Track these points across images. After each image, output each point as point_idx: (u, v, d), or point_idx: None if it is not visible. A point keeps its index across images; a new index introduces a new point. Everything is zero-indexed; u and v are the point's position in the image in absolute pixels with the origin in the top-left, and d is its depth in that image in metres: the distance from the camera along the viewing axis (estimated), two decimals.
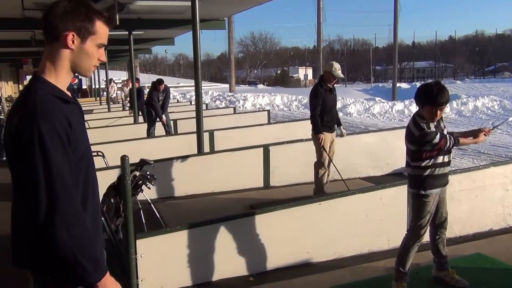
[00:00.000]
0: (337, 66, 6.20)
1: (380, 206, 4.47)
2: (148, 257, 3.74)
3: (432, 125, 3.38)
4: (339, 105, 23.34)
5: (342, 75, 6.26)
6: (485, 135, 3.51)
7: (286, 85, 56.46)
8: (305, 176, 6.78)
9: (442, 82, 3.53)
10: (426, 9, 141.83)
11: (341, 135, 6.79)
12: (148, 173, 4.58)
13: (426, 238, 3.88)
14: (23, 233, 1.67)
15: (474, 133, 3.56)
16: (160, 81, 11.00)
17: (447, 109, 20.11)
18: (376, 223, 4.45)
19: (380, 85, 42.39)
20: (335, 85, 6.41)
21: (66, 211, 1.59)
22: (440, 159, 3.39)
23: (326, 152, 6.18)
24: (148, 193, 5.09)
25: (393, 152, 7.29)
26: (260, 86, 53.33)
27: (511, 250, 4.39)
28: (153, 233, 3.88)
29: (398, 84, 30.67)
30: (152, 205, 4.77)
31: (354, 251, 4.43)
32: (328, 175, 6.37)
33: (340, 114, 22.60)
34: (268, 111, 13.92)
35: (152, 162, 4.77)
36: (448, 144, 3.36)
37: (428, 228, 3.53)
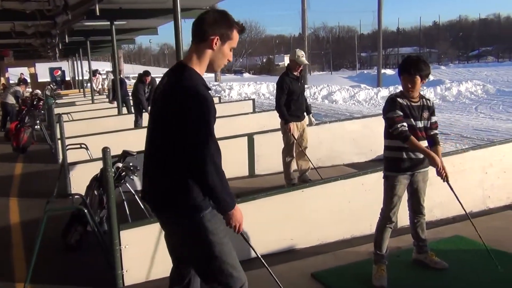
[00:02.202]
0: (300, 53, 6.15)
1: (362, 191, 4.54)
2: (133, 248, 3.77)
3: (403, 101, 3.44)
4: (324, 92, 23.47)
5: (306, 62, 6.17)
6: (438, 169, 3.46)
7: (272, 73, 56.35)
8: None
9: (423, 57, 3.60)
10: None
11: (310, 124, 6.66)
12: (131, 164, 4.58)
13: (406, 221, 3.98)
14: (173, 182, 2.28)
15: (433, 157, 3.44)
16: (146, 73, 10.94)
17: (431, 94, 20.38)
18: (358, 208, 4.52)
19: (365, 71, 42.60)
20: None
21: (215, 158, 2.23)
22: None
23: (294, 140, 6.18)
24: (133, 184, 5.10)
25: (376, 138, 7.26)
26: (246, 75, 53.23)
27: (488, 232, 4.47)
28: (137, 223, 3.90)
29: (383, 71, 30.85)
30: (136, 196, 4.78)
31: (337, 236, 4.50)
32: (306, 163, 6.41)
33: (326, 102, 22.72)
34: (253, 100, 13.93)
35: (135, 154, 4.77)
36: (398, 128, 3.36)
37: (397, 210, 3.58)
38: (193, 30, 2.34)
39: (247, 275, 2.49)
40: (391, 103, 3.47)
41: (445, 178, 3.52)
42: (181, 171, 2.26)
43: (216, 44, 2.30)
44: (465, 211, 3.67)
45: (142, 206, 4.56)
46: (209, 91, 2.31)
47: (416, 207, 3.67)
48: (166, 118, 2.26)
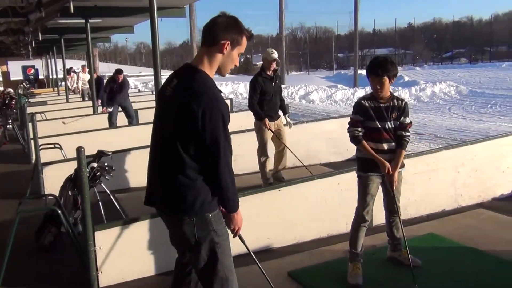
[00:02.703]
0: (271, 50, 6.20)
1: (338, 190, 4.59)
2: (108, 249, 3.72)
3: (371, 102, 3.50)
4: (302, 92, 23.59)
5: (276, 56, 6.13)
6: (388, 171, 3.51)
7: (250, 73, 56.33)
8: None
9: (390, 58, 3.67)
10: None
11: (287, 125, 6.57)
12: (106, 164, 4.53)
13: (381, 220, 4.04)
14: (180, 184, 2.35)
15: (382, 163, 3.50)
16: (118, 71, 10.89)
17: (406, 95, 20.70)
18: (334, 207, 4.57)
19: (342, 72, 42.96)
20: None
21: (229, 160, 2.33)
22: (372, 145, 3.53)
23: (271, 133, 6.18)
24: (108, 184, 5.04)
25: None
26: None
27: (461, 229, 4.61)
28: (112, 224, 3.86)
29: (359, 71, 31.13)
30: (111, 196, 4.73)
31: (314, 235, 4.54)
32: (282, 162, 6.44)
33: (303, 102, 22.81)
34: (231, 99, 13.91)
35: (110, 153, 4.72)
36: (353, 132, 3.53)
37: (371, 209, 3.65)
38: (204, 33, 2.40)
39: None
40: (356, 107, 3.59)
41: (390, 185, 3.57)
42: (191, 172, 2.32)
43: (226, 48, 2.36)
44: (400, 222, 3.72)
45: (118, 207, 4.51)
46: (221, 93, 2.38)
47: (391, 207, 3.73)
48: (179, 121, 2.29)
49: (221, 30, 2.35)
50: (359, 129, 3.51)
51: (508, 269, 3.76)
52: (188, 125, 2.26)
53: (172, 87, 2.42)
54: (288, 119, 6.62)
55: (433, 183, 5.05)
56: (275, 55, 6.16)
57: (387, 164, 3.48)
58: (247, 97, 6.45)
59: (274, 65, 6.16)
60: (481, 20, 76.31)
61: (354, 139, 3.55)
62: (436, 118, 14.91)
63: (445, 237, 4.36)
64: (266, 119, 6.10)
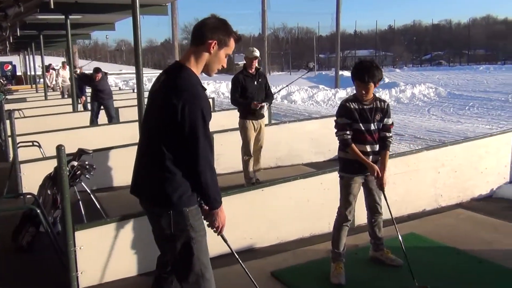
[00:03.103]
0: (252, 49, 6.22)
1: (321, 190, 4.61)
2: (88, 249, 3.66)
3: (355, 104, 3.51)
4: (283, 92, 23.63)
5: (257, 54, 6.11)
6: (375, 178, 3.56)
7: (232, 73, 56.23)
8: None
9: (375, 63, 3.67)
10: None
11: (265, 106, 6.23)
12: (87, 163, 4.45)
13: (363, 220, 4.07)
14: (163, 178, 2.37)
15: (371, 166, 3.53)
16: (96, 70, 10.83)
17: (386, 96, 20.94)
18: (317, 207, 4.58)
19: (323, 73, 43.17)
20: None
21: (210, 157, 2.36)
22: (355, 147, 3.54)
23: (249, 137, 6.17)
24: (89, 183, 4.97)
25: (335, 138, 7.41)
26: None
27: (441, 229, 4.67)
28: (93, 224, 3.80)
29: (340, 72, 31.37)
30: (92, 195, 4.65)
31: (296, 235, 4.55)
32: (258, 163, 6.44)
33: (285, 102, 22.83)
34: (213, 98, 13.86)
35: (91, 152, 4.64)
36: (342, 135, 3.51)
37: (353, 209, 3.68)
38: (193, 33, 2.48)
39: (214, 273, 2.53)
40: (341, 109, 3.58)
41: (380, 187, 3.60)
42: (171, 165, 2.36)
43: (213, 48, 2.42)
44: (393, 219, 3.73)
45: (98, 206, 4.44)
46: (205, 91, 2.42)
47: (372, 206, 3.76)
48: (162, 116, 2.35)
49: (209, 31, 2.42)
50: (348, 132, 3.51)
51: (486, 269, 3.83)
52: (168, 118, 2.31)
53: (160, 82, 2.49)
54: (265, 105, 6.26)
55: (414, 184, 5.11)
56: (256, 53, 6.16)
57: (376, 168, 3.51)
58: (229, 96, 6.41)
59: (255, 63, 6.15)
60: (459, 23, 77.72)
61: (343, 142, 3.53)
62: (416, 119, 15.11)
63: (425, 236, 4.42)
64: (254, 103, 6.06)
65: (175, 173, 2.37)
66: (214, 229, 2.55)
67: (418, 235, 4.44)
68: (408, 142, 10.66)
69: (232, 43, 2.49)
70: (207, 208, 2.50)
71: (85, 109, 13.25)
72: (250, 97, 6.09)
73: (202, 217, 2.52)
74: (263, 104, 6.12)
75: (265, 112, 6.51)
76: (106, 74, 11.16)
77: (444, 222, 4.87)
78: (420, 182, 5.17)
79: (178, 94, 2.31)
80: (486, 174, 5.65)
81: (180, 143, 2.33)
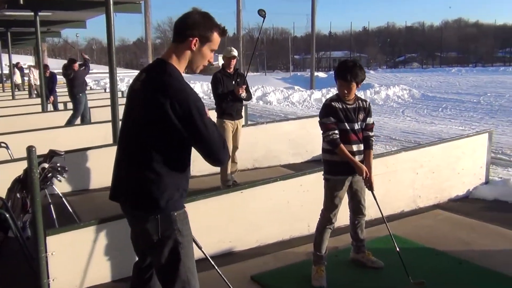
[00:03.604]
0: (229, 48, 6.21)
1: (300, 192, 4.59)
2: (60, 255, 3.54)
3: (339, 104, 3.50)
4: (259, 93, 23.64)
5: (235, 53, 6.11)
6: (366, 176, 3.54)
7: (206, 73, 56.00)
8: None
9: (359, 63, 3.68)
10: (342, 0, 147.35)
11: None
12: (58, 165, 4.32)
13: (343, 222, 4.06)
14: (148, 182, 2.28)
15: (359, 167, 3.52)
16: (73, 60, 10.63)
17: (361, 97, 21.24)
18: (296, 209, 4.56)
19: (298, 74, 43.42)
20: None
21: (220, 147, 2.31)
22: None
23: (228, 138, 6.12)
24: (60, 186, 4.83)
25: (312, 139, 7.48)
26: None
27: (419, 230, 4.72)
28: (65, 228, 3.67)
29: (316, 73, 31.60)
30: (64, 198, 4.52)
31: (276, 237, 4.52)
32: (234, 165, 6.40)
33: (260, 103, 22.82)
34: None
35: (62, 153, 4.50)
36: (330, 135, 3.46)
37: (338, 212, 3.66)
38: (174, 29, 2.39)
39: None
40: (326, 109, 3.54)
41: (370, 187, 3.60)
42: (159, 167, 2.27)
43: (195, 45, 2.33)
44: (384, 218, 3.78)
45: (71, 210, 4.31)
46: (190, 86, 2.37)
47: (356, 208, 3.75)
48: (147, 114, 2.26)
49: (189, 27, 2.32)
50: (336, 131, 3.48)
51: (465, 269, 3.88)
52: (156, 118, 2.22)
53: (141, 80, 2.38)
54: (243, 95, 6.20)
55: (393, 185, 5.15)
56: (234, 52, 6.13)
57: (364, 168, 3.50)
58: (209, 97, 6.33)
59: (233, 63, 6.11)
60: (432, 26, 79.41)
61: (332, 143, 3.48)
62: (391, 121, 15.31)
63: (405, 238, 4.45)
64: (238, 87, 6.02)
65: (162, 175, 2.28)
66: None
67: (398, 236, 4.44)
68: (384, 143, 10.78)
69: (216, 37, 2.38)
70: None
71: (55, 109, 12.97)
72: (223, 94, 6.04)
73: (189, 221, 2.45)
74: (243, 87, 6.10)
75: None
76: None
77: (423, 223, 4.93)
78: (399, 183, 5.22)
79: (165, 91, 2.21)
80: (462, 175, 5.75)
81: (174, 143, 2.26)
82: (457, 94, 23.43)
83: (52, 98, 12.87)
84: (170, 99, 2.19)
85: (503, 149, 9.46)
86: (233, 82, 6.12)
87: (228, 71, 6.11)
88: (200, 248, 2.75)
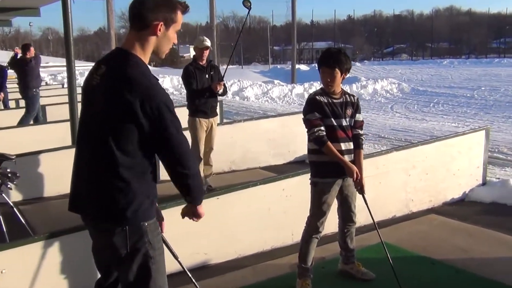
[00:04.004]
0: (202, 38, 6.15)
1: (283, 197, 4.56)
2: (12, 272, 3.41)
3: (324, 98, 3.49)
4: (235, 88, 23.60)
5: (208, 44, 6.09)
6: (356, 178, 3.51)
7: (176, 66, 55.67)
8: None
9: (344, 50, 3.67)
10: None
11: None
12: (8, 170, 4.19)
13: (331, 229, 4.05)
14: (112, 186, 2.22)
15: (349, 167, 3.48)
16: (27, 46, 10.33)
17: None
18: (279, 216, 4.53)
19: (278, 66, 43.59)
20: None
21: (187, 152, 2.32)
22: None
23: (200, 140, 6.10)
24: (11, 194, 4.70)
25: (295, 138, 7.49)
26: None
27: (413, 237, 4.74)
28: (17, 243, 3.53)
29: (297, 66, 31.71)
30: (15, 208, 4.39)
31: (257, 248, 4.48)
32: (209, 167, 6.35)
33: (237, 98, 22.81)
34: None
35: (13, 157, 4.37)
36: (315, 132, 3.42)
37: (326, 220, 3.64)
38: (131, 15, 2.29)
39: None
40: (310, 104, 3.52)
41: (360, 190, 3.59)
42: (125, 173, 2.22)
43: (160, 30, 2.27)
44: (375, 225, 3.77)
45: (23, 221, 4.19)
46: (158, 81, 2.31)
47: (346, 215, 3.73)
48: (111, 113, 2.19)
49: (151, 11, 2.23)
50: (322, 128, 3.44)
51: (464, 279, 3.90)
52: (123, 118, 2.15)
53: (99, 74, 2.27)
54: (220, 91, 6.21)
55: (384, 188, 5.16)
56: (207, 42, 6.08)
57: (355, 168, 3.47)
58: (180, 93, 6.25)
59: (206, 54, 6.06)
60: (422, 14, 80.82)
61: (318, 140, 3.43)
62: (379, 117, 15.47)
63: (398, 246, 4.46)
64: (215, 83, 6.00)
65: (129, 182, 2.22)
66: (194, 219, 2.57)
67: (390, 245, 4.45)
68: (372, 142, 10.86)
69: (179, 17, 2.32)
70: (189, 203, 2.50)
71: (6, 107, 12.67)
72: (198, 90, 5.99)
73: (161, 232, 2.41)
74: (222, 83, 6.10)
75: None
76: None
77: (417, 229, 4.95)
78: (390, 186, 5.24)
79: (132, 88, 2.13)
80: (458, 176, 5.81)
81: (144, 145, 2.21)
82: (450, 88, 23.86)
83: (2, 94, 12.55)
84: (139, 97, 2.13)
85: (499, 147, 9.64)
86: (207, 75, 6.06)
87: (201, 63, 6.06)
88: (176, 258, 2.67)
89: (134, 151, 2.21)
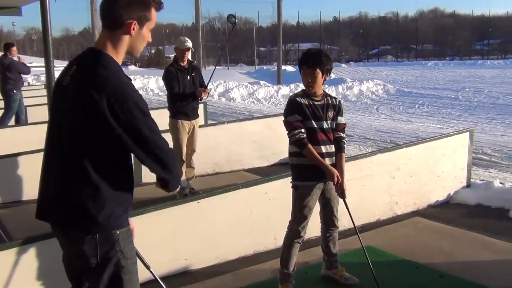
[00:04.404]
0: (183, 38, 6.05)
1: (265, 201, 4.48)
2: None
3: (305, 100, 3.43)
4: (221, 89, 23.50)
5: (190, 45, 5.99)
6: (337, 182, 3.43)
7: (162, 67, 55.37)
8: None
9: (325, 51, 3.65)
10: None
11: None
12: None
13: (315, 232, 3.98)
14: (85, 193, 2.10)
15: (330, 171, 3.41)
16: (10, 45, 10.11)
17: (332, 93, 21.41)
18: (261, 220, 4.45)
19: (264, 67, 43.54)
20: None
21: (169, 156, 2.21)
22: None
23: (181, 141, 6.01)
24: None
25: (279, 140, 7.34)
26: (132, 67, 51.61)
27: (398, 241, 4.69)
28: None
29: (283, 67, 31.71)
30: None
31: (238, 253, 4.39)
32: (191, 170, 6.26)
33: (223, 100, 22.72)
34: (140, 95, 13.40)
35: None
36: (296, 135, 3.36)
37: (307, 224, 3.57)
38: (102, 14, 2.20)
39: None
40: (290, 105, 3.46)
41: (341, 194, 3.52)
42: (95, 178, 2.10)
43: (134, 29, 2.17)
44: (356, 229, 3.71)
45: None
46: (131, 81, 2.18)
47: (328, 219, 3.67)
48: (79, 115, 2.08)
49: (124, 9, 2.14)
50: (303, 130, 3.38)
51: (447, 282, 3.86)
52: (91, 119, 2.04)
53: (70, 75, 2.17)
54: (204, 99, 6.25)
55: (368, 190, 5.11)
56: (189, 43, 5.98)
57: (336, 172, 3.40)
58: (166, 91, 6.13)
59: (187, 55, 5.97)
60: (406, 16, 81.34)
61: (299, 143, 3.38)
62: (364, 119, 15.47)
63: (382, 250, 4.40)
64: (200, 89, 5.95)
65: (99, 188, 2.10)
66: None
67: (375, 248, 4.41)
68: (357, 144, 10.84)
69: (154, 14, 2.23)
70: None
71: None
72: (181, 93, 5.89)
73: (133, 240, 2.29)
74: (207, 90, 6.08)
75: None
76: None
77: (402, 232, 4.91)
78: (374, 189, 5.19)
79: (100, 88, 2.02)
80: (442, 178, 5.78)
81: (117, 149, 2.11)
82: (434, 90, 23.98)
83: None
84: (106, 96, 2.01)
85: (483, 149, 9.67)
86: (188, 77, 5.96)
87: (182, 64, 5.96)
88: (148, 268, 2.59)
89: (104, 154, 2.10)
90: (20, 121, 10.25)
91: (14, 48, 10.06)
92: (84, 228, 2.14)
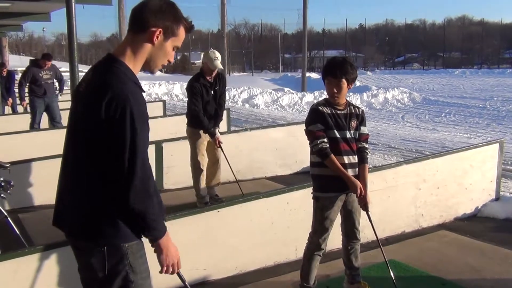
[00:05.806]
0: (213, 55, 5.74)
1: (287, 211, 4.39)
2: (3, 287, 3.28)
3: (327, 109, 3.34)
4: (245, 95, 23.52)
5: (220, 66, 5.82)
6: (360, 194, 3.33)
7: (187, 73, 55.84)
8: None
9: (350, 60, 3.55)
10: None
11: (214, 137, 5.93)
12: (2, 179, 4.05)
13: (337, 244, 3.86)
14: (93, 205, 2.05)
15: (353, 182, 3.33)
16: (47, 56, 10.09)
17: (357, 101, 21.20)
18: (282, 230, 4.36)
19: (289, 74, 43.53)
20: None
21: (144, 178, 1.99)
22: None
23: (201, 151, 5.96)
24: (5, 203, 4.57)
25: (302, 148, 7.21)
26: (157, 73, 52.27)
27: (424, 254, 4.53)
28: (11, 255, 3.39)
29: (308, 74, 31.59)
30: (9, 218, 4.26)
31: (258, 264, 4.31)
32: (216, 177, 6.20)
33: (247, 106, 22.72)
34: (164, 101, 13.51)
35: (8, 166, 4.25)
36: (318, 144, 3.29)
37: (328, 237, 3.48)
38: (131, 17, 2.13)
39: None
40: (312, 115, 3.39)
41: (364, 207, 3.42)
42: (104, 189, 2.04)
43: (157, 38, 2.09)
44: (379, 242, 3.60)
45: (17, 231, 4.05)
46: (142, 92, 2.10)
47: (350, 231, 3.56)
48: (87, 125, 2.03)
49: (153, 15, 2.07)
50: (326, 139, 3.30)
51: None
52: (96, 126, 1.97)
53: (85, 80, 2.14)
54: (218, 133, 5.96)
55: (393, 202, 4.97)
56: (218, 62, 5.76)
57: (359, 184, 3.30)
58: (187, 101, 6.07)
59: (215, 73, 5.87)
60: (434, 23, 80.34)
61: (321, 153, 3.30)
62: (389, 127, 15.25)
63: (407, 264, 4.26)
64: (218, 135, 5.86)
65: (109, 199, 2.04)
66: (165, 268, 2.18)
67: (399, 263, 4.27)
68: (382, 152, 10.66)
69: (182, 32, 2.15)
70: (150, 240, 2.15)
71: (14, 111, 12.65)
72: (201, 112, 5.82)
73: (145, 254, 2.20)
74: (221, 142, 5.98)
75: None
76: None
77: (427, 246, 4.75)
78: (399, 200, 5.04)
79: (102, 93, 1.96)
80: (470, 190, 5.60)
81: (109, 161, 2.01)
82: (462, 98, 23.56)
83: (10, 100, 12.52)
84: (106, 103, 1.94)
85: None
86: (211, 92, 5.88)
87: (208, 78, 5.87)
88: (184, 282, 2.43)
89: (111, 164, 2.02)
90: (56, 125, 10.18)
91: (49, 63, 10.02)
92: (92, 239, 2.09)
